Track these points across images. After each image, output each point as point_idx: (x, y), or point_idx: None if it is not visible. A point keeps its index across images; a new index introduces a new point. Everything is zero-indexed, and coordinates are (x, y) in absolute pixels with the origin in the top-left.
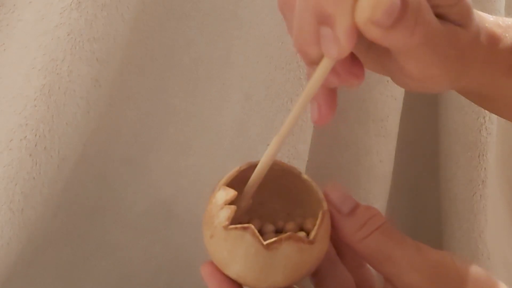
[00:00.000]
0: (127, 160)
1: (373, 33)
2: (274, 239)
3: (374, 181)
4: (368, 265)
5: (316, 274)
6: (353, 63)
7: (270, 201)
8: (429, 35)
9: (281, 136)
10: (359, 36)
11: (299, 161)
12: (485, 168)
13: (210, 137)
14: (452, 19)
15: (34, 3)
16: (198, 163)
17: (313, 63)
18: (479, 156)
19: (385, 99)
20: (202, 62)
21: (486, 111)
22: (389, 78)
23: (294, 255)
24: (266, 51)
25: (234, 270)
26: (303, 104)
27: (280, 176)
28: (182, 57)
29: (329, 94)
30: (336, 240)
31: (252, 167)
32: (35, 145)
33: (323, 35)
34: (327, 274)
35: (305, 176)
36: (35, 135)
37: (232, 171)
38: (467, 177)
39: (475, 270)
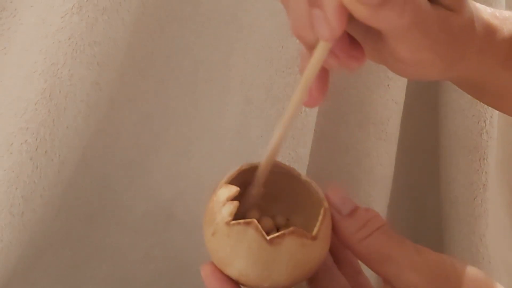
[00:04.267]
0: (127, 163)
1: (361, 13)
2: (277, 233)
3: (375, 184)
4: (364, 272)
5: (313, 281)
6: (352, 46)
7: (269, 207)
8: (419, 17)
9: (286, 121)
10: (354, 21)
11: (299, 165)
12: (486, 172)
13: (210, 140)
14: (444, 3)
15: (36, 7)
16: (198, 166)
17: (311, 47)
18: (480, 160)
19: (385, 103)
20: (203, 65)
21: (486, 115)
22: (389, 82)
23: (297, 251)
24: (266, 54)
25: (237, 267)
26: (304, 88)
27: (279, 179)
28: (182, 60)
29: (321, 78)
30: (333, 247)
31: (253, 168)
32: (36, 149)
33: (315, 17)
34: (323, 280)
35: (305, 178)
36: (36, 139)
37: (233, 170)
38: (468, 180)
39: (474, 272)
